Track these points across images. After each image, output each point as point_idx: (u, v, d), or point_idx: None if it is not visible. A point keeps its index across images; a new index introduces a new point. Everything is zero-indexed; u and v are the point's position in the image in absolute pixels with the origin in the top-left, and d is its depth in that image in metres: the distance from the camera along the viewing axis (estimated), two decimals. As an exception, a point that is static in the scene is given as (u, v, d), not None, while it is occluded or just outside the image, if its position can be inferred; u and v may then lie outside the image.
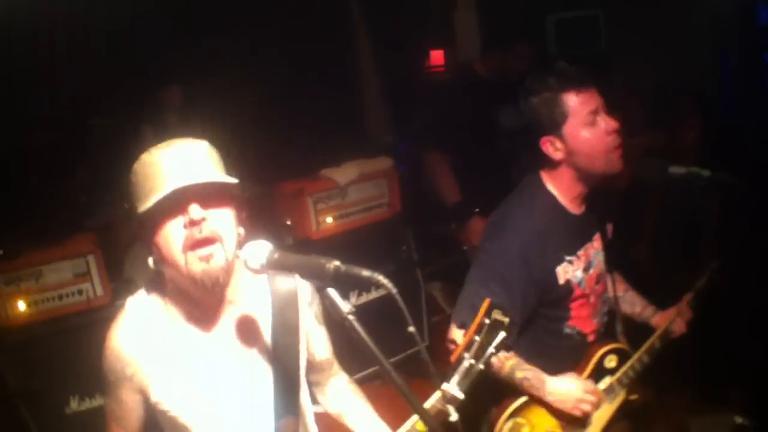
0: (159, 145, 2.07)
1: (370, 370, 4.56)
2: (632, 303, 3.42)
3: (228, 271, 2.11)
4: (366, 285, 5.01)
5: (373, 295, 5.12)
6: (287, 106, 6.76)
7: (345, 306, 1.88)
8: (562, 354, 3.02)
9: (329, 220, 5.16)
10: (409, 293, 5.39)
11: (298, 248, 4.90)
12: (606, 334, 3.18)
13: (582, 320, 3.03)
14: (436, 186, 4.93)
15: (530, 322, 2.94)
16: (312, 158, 5.64)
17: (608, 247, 3.14)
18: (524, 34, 4.95)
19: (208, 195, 2.04)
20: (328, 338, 2.53)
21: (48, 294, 4.34)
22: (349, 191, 5.27)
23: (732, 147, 4.97)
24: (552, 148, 2.85)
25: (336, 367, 2.63)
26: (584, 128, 2.80)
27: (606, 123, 2.81)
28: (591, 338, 3.08)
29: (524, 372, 2.87)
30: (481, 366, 2.25)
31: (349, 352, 2.47)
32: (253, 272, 2.05)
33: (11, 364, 4.18)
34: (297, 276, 2.29)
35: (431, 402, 2.19)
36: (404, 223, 5.53)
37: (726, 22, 6.32)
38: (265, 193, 5.53)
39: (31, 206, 4.90)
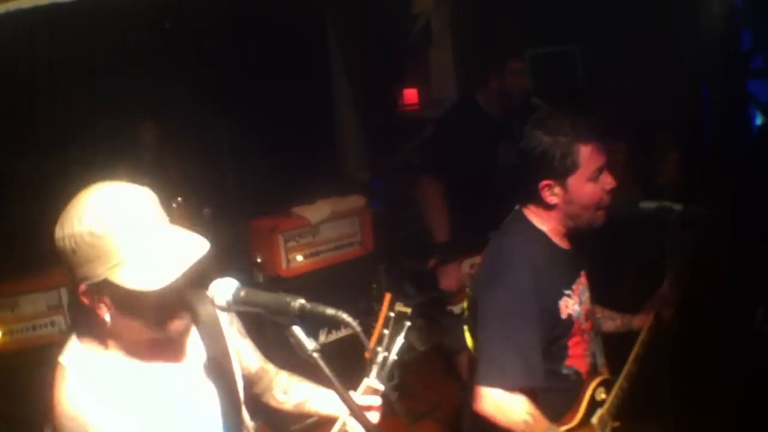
0: (116, 201, 1.96)
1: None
2: (612, 318, 3.46)
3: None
4: (335, 323, 4.98)
5: (343, 333, 5.09)
6: (262, 142, 6.75)
7: (309, 344, 1.88)
8: (560, 397, 2.96)
9: (300, 257, 5.14)
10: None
11: (269, 285, 4.88)
12: (592, 369, 3.15)
13: (578, 359, 2.99)
14: (427, 219, 4.89)
15: None
16: (285, 195, 5.62)
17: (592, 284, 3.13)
18: (500, 70, 4.92)
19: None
20: (254, 347, 2.56)
21: (22, 324, 4.40)
22: (321, 229, 5.25)
23: (712, 178, 5.00)
24: (549, 192, 2.84)
25: (272, 368, 2.65)
26: (588, 182, 2.81)
27: (607, 181, 2.83)
28: (585, 377, 3.04)
29: None
30: (394, 357, 2.35)
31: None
32: (219, 309, 2.05)
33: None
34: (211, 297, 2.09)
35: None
36: (376, 262, 5.50)
37: (707, 50, 6.36)
38: (237, 229, 5.51)
39: (11, 235, 4.87)
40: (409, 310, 2.39)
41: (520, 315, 2.74)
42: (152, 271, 1.91)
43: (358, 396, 2.27)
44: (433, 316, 5.55)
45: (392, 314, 2.39)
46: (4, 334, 4.35)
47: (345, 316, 1.84)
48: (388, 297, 2.41)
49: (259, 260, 5.06)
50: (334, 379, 1.88)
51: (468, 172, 4.70)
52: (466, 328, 3.08)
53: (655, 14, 6.06)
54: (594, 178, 2.81)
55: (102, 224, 1.91)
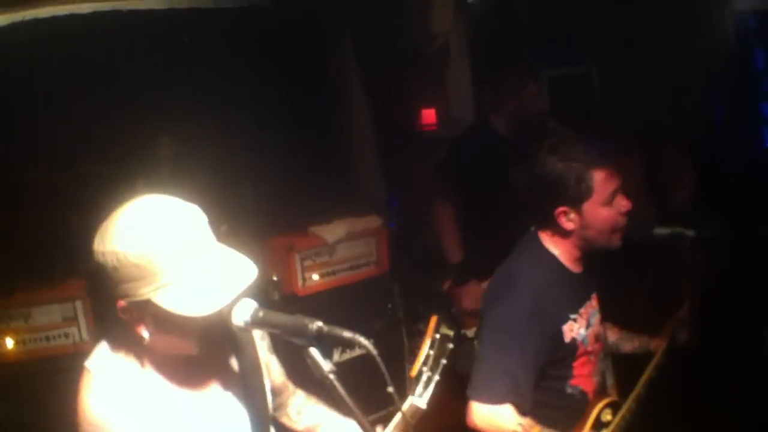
0: (165, 219, 1.91)
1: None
2: (630, 339, 3.47)
3: None
4: (350, 343, 5.00)
5: (357, 352, 5.09)
6: (279, 160, 6.77)
7: (326, 365, 1.89)
8: (564, 415, 2.98)
9: (316, 277, 5.15)
10: (394, 351, 5.33)
11: (284, 304, 4.89)
12: (600, 389, 3.17)
13: (584, 379, 3.00)
14: (440, 240, 4.93)
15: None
16: (302, 214, 5.63)
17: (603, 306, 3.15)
18: (516, 93, 4.93)
19: None
20: (279, 363, 2.53)
21: (36, 335, 4.41)
22: (337, 249, 5.27)
23: (725, 199, 5.00)
24: (565, 218, 2.86)
25: (291, 386, 2.64)
26: (603, 206, 2.82)
27: (622, 203, 2.85)
28: (591, 397, 3.06)
29: None
30: (437, 377, 2.40)
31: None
32: (236, 329, 2.04)
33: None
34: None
35: (395, 423, 2.33)
36: (391, 281, 5.51)
37: (720, 71, 6.36)
38: (254, 247, 5.52)
39: (26, 245, 4.91)
40: (452, 333, 2.44)
41: (514, 334, 2.77)
42: (200, 297, 1.87)
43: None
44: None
45: (438, 336, 2.42)
46: (16, 344, 4.37)
47: (362, 340, 1.85)
48: (434, 319, 2.45)
49: (275, 278, 5.08)
50: (349, 400, 1.89)
51: (482, 194, 4.72)
52: (476, 344, 3.10)
53: (671, 35, 6.08)
54: (609, 202, 2.83)
55: (149, 246, 1.84)
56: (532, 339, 2.77)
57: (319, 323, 1.88)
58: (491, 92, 5.03)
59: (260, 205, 6.18)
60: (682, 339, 3.45)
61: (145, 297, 1.87)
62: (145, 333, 1.96)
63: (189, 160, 6.30)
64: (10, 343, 4.35)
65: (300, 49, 6.70)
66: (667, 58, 6.00)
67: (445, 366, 2.42)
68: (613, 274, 3.85)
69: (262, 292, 5.00)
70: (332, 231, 5.24)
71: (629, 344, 3.47)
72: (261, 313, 2.00)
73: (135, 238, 1.85)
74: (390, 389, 1.88)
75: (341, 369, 1.90)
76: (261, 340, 2.37)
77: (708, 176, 5.16)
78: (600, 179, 2.80)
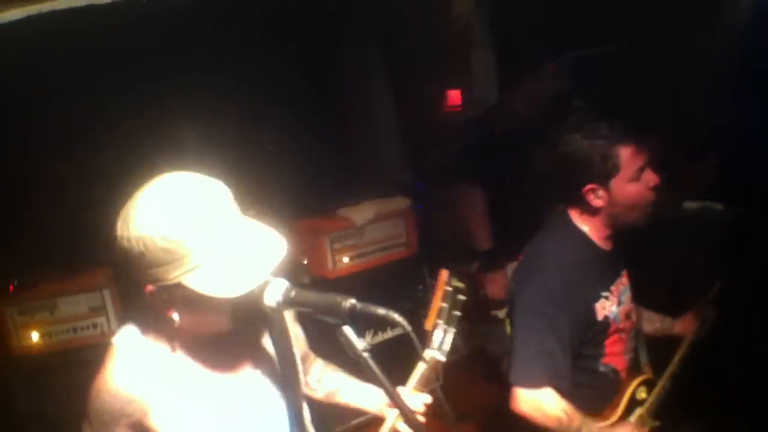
0: (193, 200, 1.89)
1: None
2: (651, 321, 3.47)
3: None
4: (381, 324, 5.00)
5: (389, 334, 5.11)
6: (305, 143, 6.78)
7: (360, 344, 1.89)
8: (597, 394, 2.99)
9: (345, 259, 5.17)
10: (425, 333, 5.32)
11: (314, 287, 4.88)
12: (634, 367, 3.17)
13: (615, 357, 3.00)
14: (469, 227, 4.92)
15: None
16: (329, 196, 5.64)
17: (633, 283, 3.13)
18: (535, 73, 4.91)
19: None
20: (303, 332, 2.57)
21: (62, 326, 4.41)
22: (366, 231, 5.28)
23: (747, 182, 4.96)
24: (594, 196, 2.85)
25: (312, 355, 2.69)
26: (631, 183, 2.81)
27: (650, 178, 2.84)
28: (623, 375, 3.06)
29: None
30: (454, 329, 2.47)
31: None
32: (268, 310, 2.03)
33: (24, 390, 4.21)
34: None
35: (417, 375, 2.34)
36: (421, 263, 5.50)
37: (744, 52, 6.30)
38: (283, 231, 5.53)
39: (50, 236, 4.93)
40: (463, 285, 2.50)
41: (546, 315, 2.76)
42: (231, 277, 1.86)
43: (407, 392, 2.30)
44: (476, 320, 5.56)
45: (449, 289, 2.48)
46: (41, 337, 4.37)
47: (396, 316, 1.86)
48: (444, 272, 2.50)
49: (305, 261, 5.10)
50: (384, 379, 1.90)
51: (505, 177, 4.71)
52: (507, 323, 3.10)
53: (697, 15, 6.02)
54: (636, 178, 2.82)
55: (176, 228, 1.82)
56: (565, 318, 2.76)
57: (353, 300, 1.88)
58: (511, 73, 5.01)
59: (288, 189, 6.20)
60: (710, 316, 3.44)
61: (176, 281, 1.86)
62: (175, 316, 1.96)
63: (213, 146, 6.33)
64: (35, 336, 4.35)
65: (322, 34, 6.70)
66: (692, 40, 5.95)
67: (461, 317, 2.48)
68: (642, 250, 3.85)
69: (292, 275, 5.02)
70: (361, 213, 5.24)
71: (650, 325, 3.46)
72: (293, 293, 2.00)
73: (160, 222, 1.83)
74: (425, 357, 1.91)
75: (373, 352, 1.91)
76: (287, 312, 2.36)
77: (732, 157, 5.11)
78: (626, 155, 2.79)
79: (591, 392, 2.95)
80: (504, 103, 5.07)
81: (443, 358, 2.39)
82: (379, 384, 1.91)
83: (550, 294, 2.77)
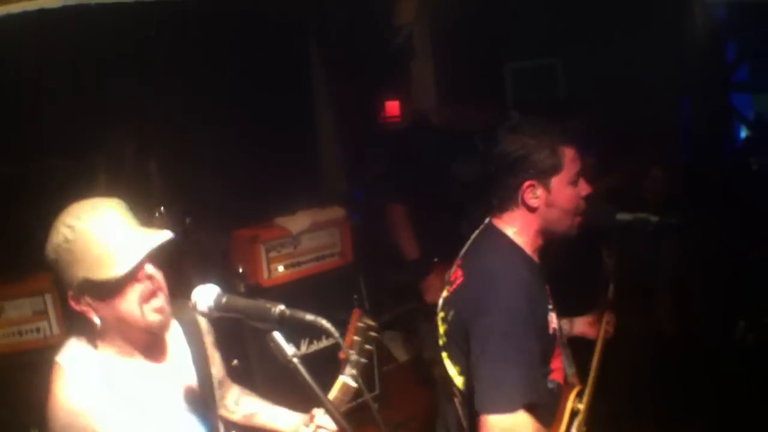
0: (80, 213, 2.20)
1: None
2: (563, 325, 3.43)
3: (170, 320, 2.35)
4: (317, 333, 5.00)
5: (324, 343, 5.10)
6: (243, 152, 6.76)
7: (290, 349, 1.91)
8: (547, 412, 2.88)
9: (281, 268, 5.16)
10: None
11: (250, 295, 4.87)
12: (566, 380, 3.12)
13: (558, 372, 2.95)
14: (396, 240, 5.02)
15: None
16: (267, 206, 5.63)
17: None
18: (482, 83, 4.98)
19: (152, 253, 2.19)
20: (221, 359, 2.75)
21: (8, 329, 4.38)
22: (302, 240, 5.27)
23: (692, 190, 5.04)
24: (532, 194, 2.80)
25: (228, 381, 2.83)
26: (569, 185, 2.80)
27: (583, 186, 2.84)
28: (564, 389, 3.01)
29: None
30: (364, 360, 2.53)
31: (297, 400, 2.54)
32: (200, 314, 2.14)
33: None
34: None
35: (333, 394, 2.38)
36: (356, 272, 5.52)
37: (689, 61, 6.40)
38: (219, 239, 5.52)
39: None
40: (374, 323, 2.64)
41: (517, 336, 2.65)
42: (119, 261, 2.12)
43: (320, 413, 2.39)
44: (412, 328, 5.58)
45: (362, 325, 2.61)
46: None
47: (324, 322, 1.88)
48: (356, 312, 2.66)
49: (240, 270, 5.08)
50: (314, 385, 1.91)
51: (427, 189, 4.86)
52: (445, 355, 2.96)
53: (638, 26, 6.11)
54: (574, 181, 2.81)
55: (73, 231, 2.15)
56: (533, 336, 2.69)
57: (282, 306, 1.93)
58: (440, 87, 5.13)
59: (225, 198, 6.17)
60: (610, 321, 3.50)
61: (81, 278, 2.15)
62: (95, 318, 2.21)
63: (153, 154, 6.29)
64: (-16, 339, 4.32)
65: (263, 44, 6.69)
66: (636, 51, 6.03)
67: (369, 352, 2.59)
68: (575, 263, 3.89)
69: (228, 283, 5.00)
70: (296, 222, 5.25)
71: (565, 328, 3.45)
72: (224, 299, 2.06)
73: (63, 229, 2.17)
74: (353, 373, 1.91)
75: (308, 360, 1.93)
76: (207, 334, 2.64)
77: (678, 168, 5.20)
78: (569, 156, 2.79)
79: (542, 411, 2.81)
80: (422, 118, 5.20)
81: (354, 384, 2.42)
82: (309, 388, 1.91)
83: (518, 314, 2.67)
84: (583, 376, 3.23)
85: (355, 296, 5.45)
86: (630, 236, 3.44)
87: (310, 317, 1.91)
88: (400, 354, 6.17)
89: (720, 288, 4.83)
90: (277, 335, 1.92)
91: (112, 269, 2.11)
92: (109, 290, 2.15)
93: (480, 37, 6.50)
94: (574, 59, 6.84)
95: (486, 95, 5.32)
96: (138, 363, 2.34)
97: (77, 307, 2.21)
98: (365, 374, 2.30)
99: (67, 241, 2.15)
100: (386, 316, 5.94)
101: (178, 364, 2.47)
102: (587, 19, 6.35)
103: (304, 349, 5.04)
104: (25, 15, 4.80)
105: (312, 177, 7.10)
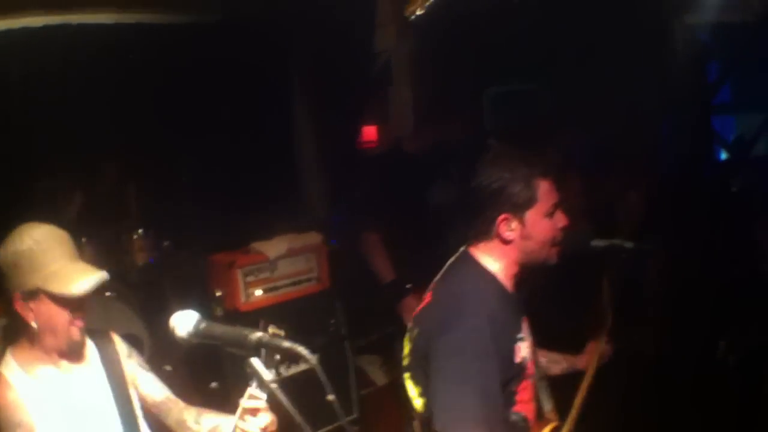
0: (39, 230, 2.59)
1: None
2: (557, 362, 3.47)
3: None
4: (296, 357, 4.98)
5: (302, 367, 5.08)
6: (222, 177, 6.77)
7: (268, 375, 1.93)
8: None
9: (258, 292, 5.14)
10: (338, 366, 5.34)
11: (227, 320, 4.89)
12: (538, 414, 3.09)
13: (525, 404, 2.90)
14: (370, 265, 5.04)
15: None
16: (245, 230, 5.63)
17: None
18: (460, 108, 5.02)
19: None
20: (157, 380, 2.98)
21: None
22: (279, 265, 5.26)
23: (672, 211, 5.06)
24: (507, 227, 2.82)
25: (181, 403, 2.94)
26: (545, 218, 2.83)
27: (559, 218, 2.86)
28: (531, 423, 2.96)
29: None
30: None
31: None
32: (179, 340, 2.14)
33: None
34: (113, 334, 2.94)
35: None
36: (333, 298, 5.52)
37: (669, 83, 6.43)
38: (197, 263, 5.51)
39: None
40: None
41: (478, 359, 2.65)
42: (75, 282, 2.51)
43: (244, 400, 2.25)
44: (391, 352, 5.58)
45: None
46: None
47: (301, 349, 1.91)
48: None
49: (218, 294, 5.07)
50: (290, 408, 1.93)
51: (401, 215, 4.92)
52: (407, 376, 2.96)
53: (622, 49, 6.15)
54: (550, 213, 2.83)
55: (38, 244, 2.54)
56: (494, 359, 2.67)
57: (259, 333, 1.95)
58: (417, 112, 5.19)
59: (203, 222, 6.17)
60: (608, 354, 3.49)
61: (34, 285, 2.52)
62: (34, 324, 2.57)
63: (132, 178, 6.28)
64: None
65: (243, 68, 6.70)
66: (618, 73, 6.07)
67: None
68: (551, 291, 3.90)
69: (206, 307, 4.99)
70: (273, 247, 5.25)
71: (557, 366, 3.47)
72: (203, 325, 2.10)
73: (30, 242, 2.54)
74: (331, 397, 1.92)
75: (288, 384, 1.94)
76: (128, 358, 2.92)
77: (656, 191, 5.22)
78: (544, 189, 2.81)
79: None
80: (395, 146, 5.26)
81: (263, 396, 2.20)
82: (288, 412, 1.94)
83: (478, 337, 2.67)
84: (564, 413, 3.22)
85: (332, 321, 5.46)
86: (610, 261, 3.46)
87: (287, 344, 1.94)
88: (379, 377, 6.15)
89: (701, 309, 4.86)
90: (256, 361, 1.94)
91: (68, 287, 2.49)
92: (53, 302, 2.53)
93: (459, 63, 6.55)
94: (554, 83, 6.88)
95: (465, 120, 5.33)
96: (58, 364, 2.69)
97: (20, 310, 2.55)
98: (343, 397, 2.27)
99: (31, 250, 2.51)
100: (363, 340, 5.93)
101: (92, 377, 2.78)
102: (567, 43, 6.40)
103: (283, 371, 5.01)
104: (7, 33, 4.82)
105: (291, 202, 7.10)
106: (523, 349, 2.88)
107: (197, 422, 2.83)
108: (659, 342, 4.85)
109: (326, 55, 6.87)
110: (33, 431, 2.53)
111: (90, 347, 2.85)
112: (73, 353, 2.73)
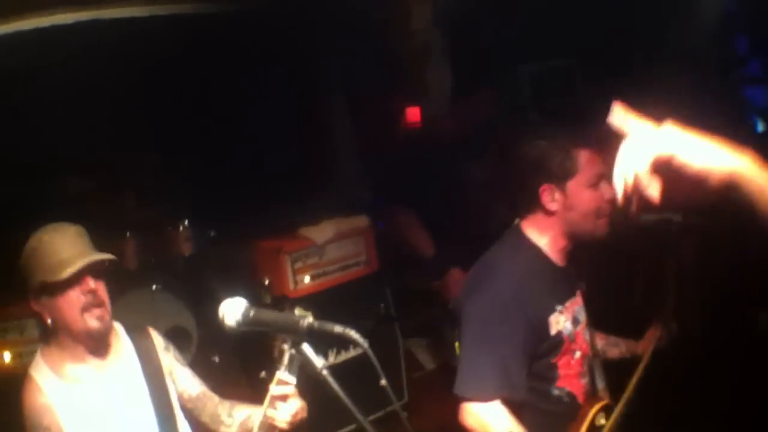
0: (48, 229, 2.66)
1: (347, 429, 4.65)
2: (616, 345, 3.44)
3: (110, 328, 2.74)
4: (344, 343, 4.98)
5: (351, 353, 5.07)
6: (265, 164, 6.77)
7: (318, 361, 1.91)
8: (553, 419, 2.89)
9: (307, 278, 5.13)
10: (388, 350, 5.34)
11: (276, 307, 4.89)
12: (591, 392, 3.08)
13: (570, 380, 2.92)
14: (409, 244, 5.03)
15: None
16: (290, 217, 5.62)
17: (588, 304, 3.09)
18: (497, 85, 4.97)
19: (96, 271, 2.63)
20: (194, 375, 2.98)
21: (32, 347, 4.39)
22: (327, 250, 5.26)
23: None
24: (549, 197, 2.83)
25: (216, 397, 2.96)
26: (588, 188, 2.80)
27: (607, 190, 2.81)
28: (581, 399, 2.97)
29: None
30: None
31: (324, 411, 2.45)
32: (228, 329, 2.10)
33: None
34: (149, 328, 2.95)
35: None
36: (382, 281, 5.50)
37: (700, 55, 6.35)
38: (244, 251, 5.51)
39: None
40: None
41: (497, 322, 2.72)
42: (65, 268, 2.53)
43: (272, 387, 2.26)
44: (440, 334, 5.55)
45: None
46: (13, 358, 4.35)
47: (353, 333, 1.88)
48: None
49: (266, 282, 5.07)
50: (343, 396, 1.91)
51: (441, 191, 4.91)
52: (457, 345, 2.99)
53: (652, 24, 6.07)
54: (593, 184, 2.81)
55: (40, 242, 2.61)
56: (517, 326, 2.72)
57: (310, 318, 1.92)
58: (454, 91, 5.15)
59: (248, 210, 6.18)
60: (669, 338, 3.44)
61: (39, 280, 2.57)
62: (48, 320, 2.62)
63: (173, 171, 6.30)
64: (7, 356, 4.35)
65: (279, 52, 6.69)
66: (649, 49, 6.00)
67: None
68: (602, 268, 3.84)
69: (254, 295, 4.99)
70: (321, 232, 5.23)
71: (616, 349, 3.43)
72: (252, 312, 2.06)
73: (34, 242, 2.63)
74: (383, 382, 1.89)
75: (337, 370, 1.92)
76: (165, 351, 2.92)
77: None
78: (584, 159, 2.79)
79: (546, 417, 2.87)
80: (428, 128, 5.22)
81: (293, 380, 2.18)
82: (339, 400, 1.91)
83: (501, 302, 2.74)
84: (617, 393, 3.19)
85: (382, 304, 5.44)
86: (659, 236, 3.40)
87: (338, 328, 1.91)
88: (427, 361, 6.14)
89: (741, 282, 4.78)
90: (307, 348, 1.92)
91: (59, 273, 2.52)
92: (57, 292, 2.57)
93: (496, 40, 6.49)
94: (591, 60, 6.81)
95: (503, 98, 5.29)
96: (87, 362, 2.70)
97: (35, 308, 2.63)
98: (392, 382, 2.24)
99: (34, 249, 2.61)
100: (411, 323, 5.91)
101: (126, 372, 2.78)
102: (603, 19, 6.33)
103: (332, 359, 5.01)
104: (37, 31, 4.84)
105: (334, 186, 7.10)
106: (561, 322, 2.87)
107: (230, 415, 2.87)
108: (706, 318, 4.78)
109: (362, 35, 6.84)
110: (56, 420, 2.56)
111: (125, 343, 2.85)
112: (100, 349, 2.73)
